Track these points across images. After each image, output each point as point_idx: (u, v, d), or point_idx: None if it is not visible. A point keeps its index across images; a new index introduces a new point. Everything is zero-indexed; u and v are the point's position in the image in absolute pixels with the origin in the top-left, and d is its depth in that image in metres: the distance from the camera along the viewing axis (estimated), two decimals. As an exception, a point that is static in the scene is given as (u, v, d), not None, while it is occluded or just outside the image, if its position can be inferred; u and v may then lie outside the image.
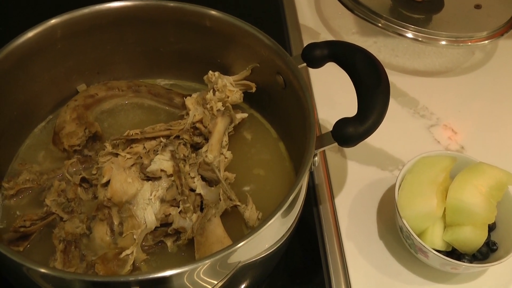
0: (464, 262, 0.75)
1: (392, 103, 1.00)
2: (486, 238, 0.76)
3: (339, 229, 0.84)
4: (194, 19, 0.84)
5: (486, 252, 0.77)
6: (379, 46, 1.14)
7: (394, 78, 1.05)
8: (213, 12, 0.83)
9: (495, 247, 0.77)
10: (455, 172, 0.80)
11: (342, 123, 0.68)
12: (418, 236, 0.75)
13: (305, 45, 1.01)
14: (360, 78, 0.71)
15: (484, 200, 0.75)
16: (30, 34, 0.78)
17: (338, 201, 0.87)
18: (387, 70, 1.02)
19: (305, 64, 0.77)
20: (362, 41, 1.15)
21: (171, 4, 0.84)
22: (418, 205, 0.76)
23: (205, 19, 0.83)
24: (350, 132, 0.67)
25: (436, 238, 0.76)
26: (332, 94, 1.00)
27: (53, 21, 0.80)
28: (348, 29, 1.17)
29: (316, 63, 0.77)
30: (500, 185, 0.77)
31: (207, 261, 0.57)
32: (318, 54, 0.76)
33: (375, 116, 0.68)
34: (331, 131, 0.69)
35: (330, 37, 1.15)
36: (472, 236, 0.74)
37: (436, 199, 0.75)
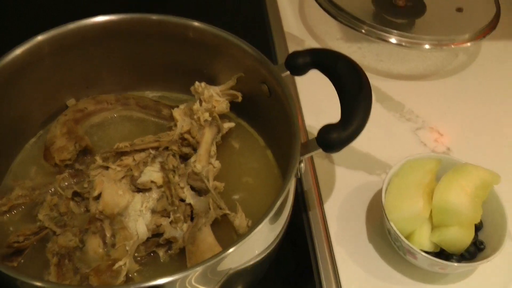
0: (452, 262, 0.76)
1: (378, 108, 1.03)
2: (473, 237, 0.77)
3: (329, 234, 0.85)
4: (178, 31, 0.85)
5: (473, 252, 0.78)
6: (363, 52, 1.15)
7: (379, 83, 1.07)
8: (196, 24, 0.84)
9: (482, 246, 0.78)
10: (441, 173, 0.81)
11: (326, 130, 0.69)
12: (406, 238, 0.76)
13: (289, 52, 1.03)
14: (343, 85, 0.72)
15: (469, 200, 0.76)
16: (18, 51, 0.78)
17: (327, 206, 0.88)
18: (372, 75, 1.04)
19: (289, 72, 0.78)
20: (347, 47, 1.16)
21: (154, 17, 0.85)
22: (405, 207, 0.77)
23: (189, 30, 0.84)
24: (333, 138, 0.68)
25: (423, 239, 0.77)
26: (319, 101, 1.01)
27: (40, 37, 0.80)
28: (332, 35, 1.19)
29: (300, 71, 0.78)
30: (485, 185, 0.78)
31: (198, 269, 0.58)
32: (301, 62, 0.77)
33: (358, 122, 0.69)
34: (315, 138, 0.70)
35: (314, 44, 1.17)
36: (459, 236, 0.76)
37: (423, 201, 0.76)
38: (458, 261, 0.77)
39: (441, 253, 0.78)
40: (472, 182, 0.77)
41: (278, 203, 0.64)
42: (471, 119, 1.05)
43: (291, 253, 0.85)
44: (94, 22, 0.83)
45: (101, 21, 0.84)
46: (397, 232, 0.76)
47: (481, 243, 0.79)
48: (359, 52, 1.15)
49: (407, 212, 0.77)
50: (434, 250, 0.78)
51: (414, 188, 0.78)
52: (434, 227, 0.78)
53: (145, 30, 0.86)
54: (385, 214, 0.78)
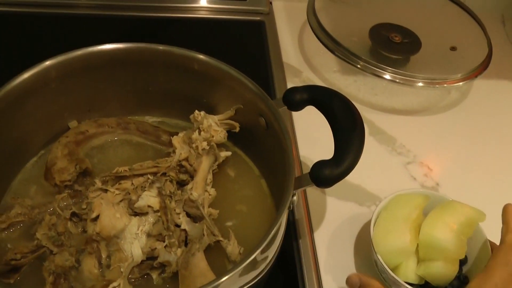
0: None
1: (371, 141, 1.06)
2: (457, 272, 0.78)
3: (318, 262, 0.87)
4: (182, 62, 0.87)
5: (457, 285, 0.80)
6: (358, 85, 1.18)
7: (372, 116, 1.10)
8: (201, 56, 0.86)
9: (466, 280, 0.80)
10: (428, 209, 0.83)
11: (319, 166, 0.71)
12: (392, 270, 0.78)
13: (287, 83, 1.05)
14: (337, 122, 0.75)
15: (454, 236, 0.78)
16: (26, 75, 0.80)
17: (317, 235, 0.90)
18: (366, 108, 1.06)
19: (286, 107, 0.81)
20: (343, 79, 1.19)
21: (161, 47, 0.87)
22: (392, 240, 0.79)
23: (193, 62, 0.87)
24: (326, 175, 0.70)
25: (409, 272, 0.79)
26: (314, 133, 1.03)
27: (48, 62, 0.82)
28: (329, 68, 1.22)
29: (296, 107, 0.81)
30: (470, 222, 0.80)
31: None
32: (298, 98, 0.79)
33: (350, 160, 0.71)
34: (309, 173, 0.72)
35: (312, 75, 1.20)
36: (443, 270, 0.77)
37: (410, 235, 0.78)
38: None
39: (426, 286, 0.80)
40: (458, 219, 0.79)
41: (271, 235, 0.66)
42: (461, 155, 1.08)
43: (281, 278, 0.86)
44: (101, 49, 0.86)
45: (108, 48, 0.86)
46: (384, 264, 0.77)
47: (465, 277, 0.80)
48: (355, 85, 1.18)
49: (394, 245, 0.79)
50: (419, 283, 0.80)
51: (401, 222, 0.80)
52: (420, 260, 0.80)
53: (150, 59, 0.88)
54: (373, 246, 0.79)
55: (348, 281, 0.76)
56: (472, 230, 0.81)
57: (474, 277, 0.71)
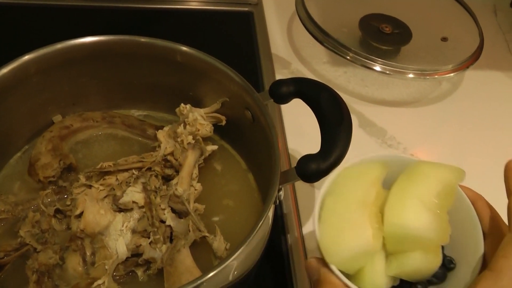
0: None
1: (361, 133, 1.05)
2: (441, 261, 0.62)
3: (307, 256, 0.86)
4: (165, 54, 0.86)
5: (442, 274, 0.63)
6: (348, 76, 1.17)
7: (362, 108, 1.09)
8: (184, 48, 0.85)
9: (452, 265, 0.63)
10: (390, 179, 0.64)
11: (305, 160, 0.70)
12: (354, 275, 0.61)
13: (276, 75, 1.04)
14: (324, 115, 0.73)
15: (433, 218, 0.59)
16: (5, 70, 0.79)
17: (306, 229, 0.89)
18: (356, 100, 1.05)
19: (272, 100, 0.80)
20: (333, 71, 1.18)
21: (143, 39, 0.86)
22: (347, 242, 0.58)
23: (176, 54, 0.85)
24: (312, 169, 0.69)
25: (377, 276, 0.61)
26: (303, 126, 1.02)
27: (27, 57, 0.81)
28: (319, 59, 1.21)
29: (283, 100, 0.79)
30: (449, 189, 0.61)
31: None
32: (284, 91, 0.78)
33: (337, 153, 0.70)
34: (295, 167, 0.71)
35: (301, 67, 1.18)
36: (423, 264, 0.60)
37: (371, 227, 0.58)
38: None
39: (403, 282, 0.63)
40: (433, 189, 0.60)
41: (256, 230, 0.64)
42: (452, 147, 1.07)
43: (270, 272, 0.86)
44: (82, 42, 0.84)
45: (89, 41, 0.84)
46: (341, 276, 0.58)
47: (450, 261, 0.63)
48: (344, 76, 1.17)
49: (351, 248, 0.58)
50: (393, 284, 0.62)
51: (356, 210, 0.60)
52: (389, 254, 0.61)
53: (134, 51, 0.87)
54: (322, 255, 0.60)
55: (307, 266, 0.62)
56: (452, 198, 0.62)
57: (479, 278, 0.55)
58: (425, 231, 0.58)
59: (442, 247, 0.63)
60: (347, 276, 0.59)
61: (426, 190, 0.60)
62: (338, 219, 0.60)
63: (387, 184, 0.64)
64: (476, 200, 0.64)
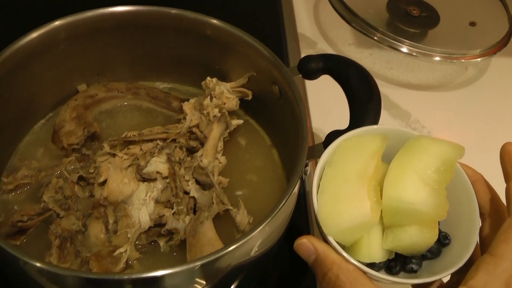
0: (412, 266, 0.62)
1: (385, 115, 1.04)
2: (437, 236, 0.62)
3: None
4: (194, 27, 0.86)
5: (437, 249, 0.63)
6: (374, 58, 1.16)
7: (387, 90, 1.08)
8: (214, 21, 0.84)
9: (447, 241, 0.63)
10: (389, 153, 0.64)
11: (333, 135, 0.69)
12: (350, 247, 0.61)
13: (302, 54, 1.03)
14: (353, 92, 0.73)
15: (431, 193, 0.59)
16: (34, 35, 0.79)
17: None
18: (381, 82, 1.04)
19: (300, 75, 0.79)
20: (358, 52, 1.17)
21: (173, 11, 0.85)
22: (346, 214, 0.59)
23: (206, 27, 0.85)
24: (341, 145, 0.69)
25: (374, 250, 0.61)
26: (327, 104, 1.02)
27: (57, 23, 0.81)
28: (344, 40, 1.20)
29: (311, 75, 0.79)
30: (448, 165, 0.61)
31: (198, 263, 0.59)
32: (313, 67, 0.78)
33: (366, 130, 0.69)
34: (322, 143, 0.70)
35: (326, 47, 1.18)
36: (419, 238, 0.60)
37: (369, 200, 0.59)
38: (419, 264, 0.62)
39: (397, 256, 0.63)
40: (432, 164, 0.61)
41: (282, 204, 0.64)
42: (475, 133, 1.06)
43: (289, 250, 0.84)
44: (112, 11, 0.84)
45: (119, 11, 0.84)
46: (338, 247, 0.58)
47: (446, 237, 0.63)
48: (370, 58, 1.16)
49: (349, 220, 0.59)
50: (389, 257, 0.62)
51: (355, 183, 0.60)
52: (386, 228, 0.62)
53: (162, 23, 0.86)
54: (320, 227, 0.60)
55: (299, 248, 0.61)
56: (451, 174, 0.62)
57: (480, 263, 0.55)
58: (423, 205, 0.59)
59: (438, 223, 0.63)
60: (343, 247, 0.59)
61: (425, 165, 0.61)
62: (337, 190, 0.61)
63: (387, 158, 0.64)
64: (476, 180, 0.64)
